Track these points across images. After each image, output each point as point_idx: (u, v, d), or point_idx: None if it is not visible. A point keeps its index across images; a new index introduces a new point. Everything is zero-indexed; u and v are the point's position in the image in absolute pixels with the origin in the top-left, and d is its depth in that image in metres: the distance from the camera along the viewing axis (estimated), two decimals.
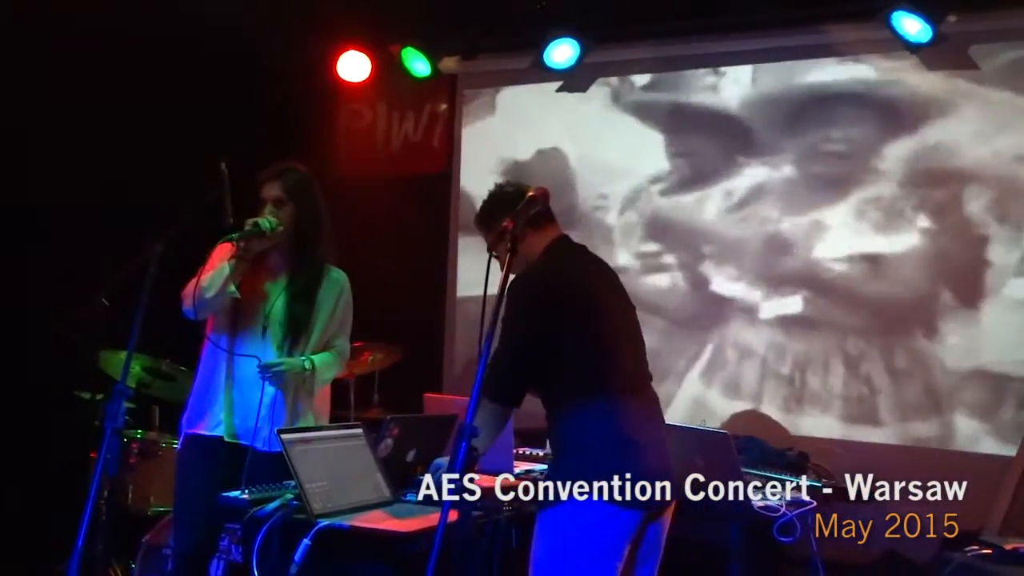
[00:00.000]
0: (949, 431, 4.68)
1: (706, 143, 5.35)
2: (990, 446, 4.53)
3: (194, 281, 3.36)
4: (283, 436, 3.03)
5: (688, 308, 5.34)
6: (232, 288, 3.39)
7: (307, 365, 3.50)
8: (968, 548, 3.45)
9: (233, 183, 3.52)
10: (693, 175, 5.39)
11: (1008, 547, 3.40)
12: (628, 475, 2.75)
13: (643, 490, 2.79)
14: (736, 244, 5.25)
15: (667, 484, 2.85)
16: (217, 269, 3.37)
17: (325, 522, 2.84)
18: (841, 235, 5.02)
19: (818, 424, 4.96)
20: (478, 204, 3.21)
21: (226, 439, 3.43)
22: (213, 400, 3.44)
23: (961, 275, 4.75)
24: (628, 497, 2.75)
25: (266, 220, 3.41)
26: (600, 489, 2.73)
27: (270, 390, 3.42)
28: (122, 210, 5.08)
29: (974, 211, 4.74)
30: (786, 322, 5.11)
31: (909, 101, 4.88)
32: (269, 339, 3.47)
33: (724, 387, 5.22)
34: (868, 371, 4.89)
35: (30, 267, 4.94)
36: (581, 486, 2.74)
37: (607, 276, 3.07)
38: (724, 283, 5.27)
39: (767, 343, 5.12)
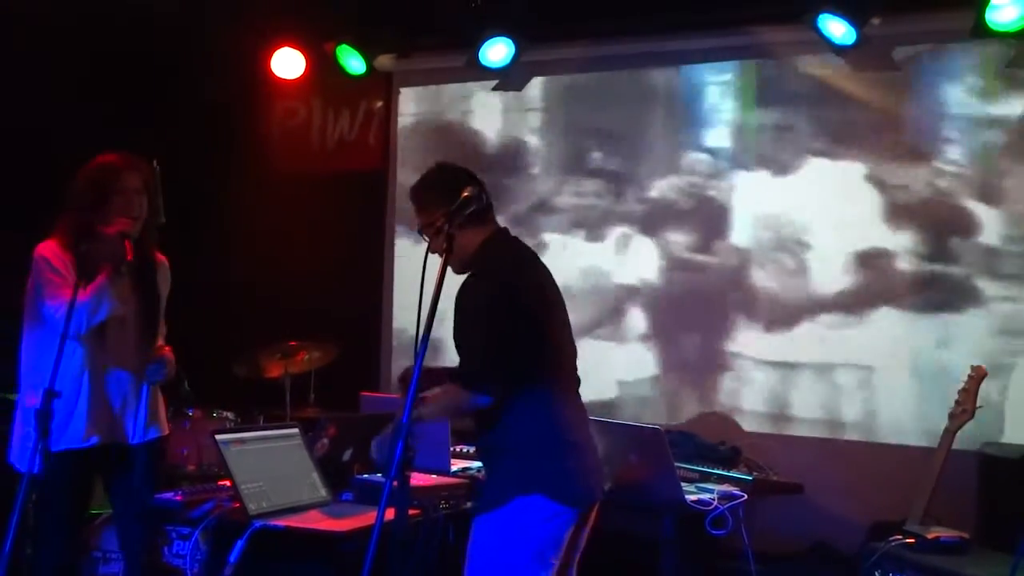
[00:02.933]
0: (875, 424, 4.81)
1: (630, 142, 5.43)
2: (913, 438, 4.67)
3: (72, 304, 3.06)
4: (218, 437, 3.02)
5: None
6: (117, 304, 3.25)
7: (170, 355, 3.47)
8: (892, 538, 3.55)
9: (167, 181, 3.48)
10: (613, 174, 5.47)
11: (930, 536, 3.51)
12: (571, 474, 2.80)
13: (584, 488, 2.84)
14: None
15: (600, 482, 2.93)
16: (96, 291, 3.18)
17: (260, 522, 2.83)
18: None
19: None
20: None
21: (98, 445, 3.29)
22: (80, 409, 3.26)
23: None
24: (571, 496, 2.79)
25: (130, 224, 3.29)
26: (545, 489, 2.74)
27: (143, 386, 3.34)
28: (49, 207, 4.96)
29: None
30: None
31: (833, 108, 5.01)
32: (128, 338, 3.36)
33: None
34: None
35: None
36: (529, 486, 2.74)
37: (546, 272, 3.07)
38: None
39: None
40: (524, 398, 2.80)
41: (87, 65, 5.15)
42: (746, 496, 3.60)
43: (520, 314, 2.78)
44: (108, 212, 3.28)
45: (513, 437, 2.82)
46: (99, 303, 3.19)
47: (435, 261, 2.71)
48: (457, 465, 3.87)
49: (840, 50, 4.87)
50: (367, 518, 2.79)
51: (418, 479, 3.37)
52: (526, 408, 2.80)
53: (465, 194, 2.77)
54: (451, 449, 3.94)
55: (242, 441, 3.09)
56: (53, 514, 3.31)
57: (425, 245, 2.85)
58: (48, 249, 3.28)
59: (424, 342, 2.48)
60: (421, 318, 2.57)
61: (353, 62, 5.69)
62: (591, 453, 2.93)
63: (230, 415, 4.78)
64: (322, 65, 5.78)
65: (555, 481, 2.77)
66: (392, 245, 5.96)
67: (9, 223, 4.89)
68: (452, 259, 2.70)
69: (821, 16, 4.72)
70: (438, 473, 3.63)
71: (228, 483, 3.02)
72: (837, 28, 4.73)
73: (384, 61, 5.90)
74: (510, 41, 5.34)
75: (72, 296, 3.06)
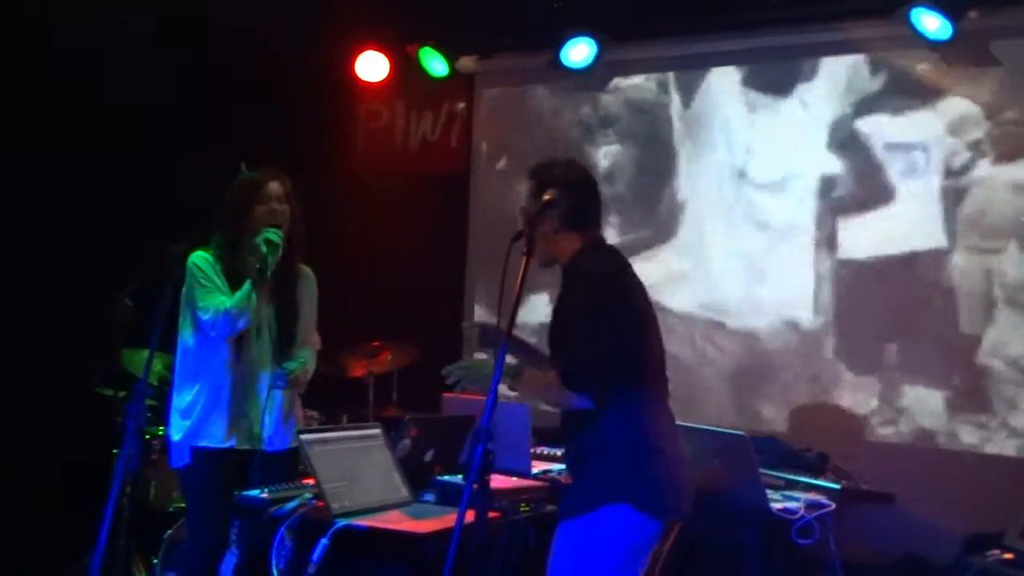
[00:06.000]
0: (968, 431, 4.65)
1: (719, 142, 5.34)
2: (1010, 447, 4.49)
3: (220, 308, 3.35)
4: (303, 436, 3.06)
5: None
6: (256, 311, 3.40)
7: (308, 365, 3.58)
8: (989, 552, 3.42)
9: None
10: (712, 175, 5.38)
11: None
12: (660, 484, 2.75)
13: (673, 500, 2.78)
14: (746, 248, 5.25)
15: (689, 496, 2.87)
16: (241, 296, 3.36)
17: (343, 522, 2.86)
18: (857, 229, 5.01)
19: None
20: (494, 203, 3.19)
21: (237, 447, 3.44)
22: (220, 411, 3.43)
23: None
24: (659, 507, 2.74)
25: (275, 233, 3.41)
26: (633, 499, 2.70)
27: (274, 393, 3.46)
28: (144, 211, 5.11)
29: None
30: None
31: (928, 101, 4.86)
32: (264, 345, 3.48)
33: None
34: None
35: (55, 266, 4.98)
36: (617, 495, 2.70)
37: (639, 281, 3.01)
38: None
39: None
40: (616, 404, 2.75)
41: (174, 70, 5.29)
42: (834, 505, 3.51)
43: (618, 321, 2.74)
44: (253, 222, 3.43)
45: (603, 443, 2.77)
46: (243, 309, 3.35)
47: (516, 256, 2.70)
48: (538, 467, 3.85)
49: (935, 45, 4.72)
50: (448, 520, 2.79)
51: (499, 481, 3.36)
52: (617, 414, 2.75)
53: (547, 197, 2.76)
54: (532, 451, 3.92)
55: (325, 441, 3.12)
56: (197, 508, 3.50)
57: (507, 244, 2.82)
58: (200, 257, 3.46)
59: (503, 345, 2.49)
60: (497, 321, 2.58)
61: (435, 64, 5.73)
62: (681, 465, 2.87)
63: (315, 414, 4.85)
64: (405, 67, 5.84)
65: (643, 491, 2.72)
66: (474, 246, 5.98)
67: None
68: (544, 258, 2.72)
69: (915, 10, 4.58)
70: (519, 475, 3.62)
71: (312, 481, 3.06)
72: (931, 22, 4.58)
73: (466, 62, 5.93)
74: (592, 41, 5.31)
75: (220, 302, 3.32)
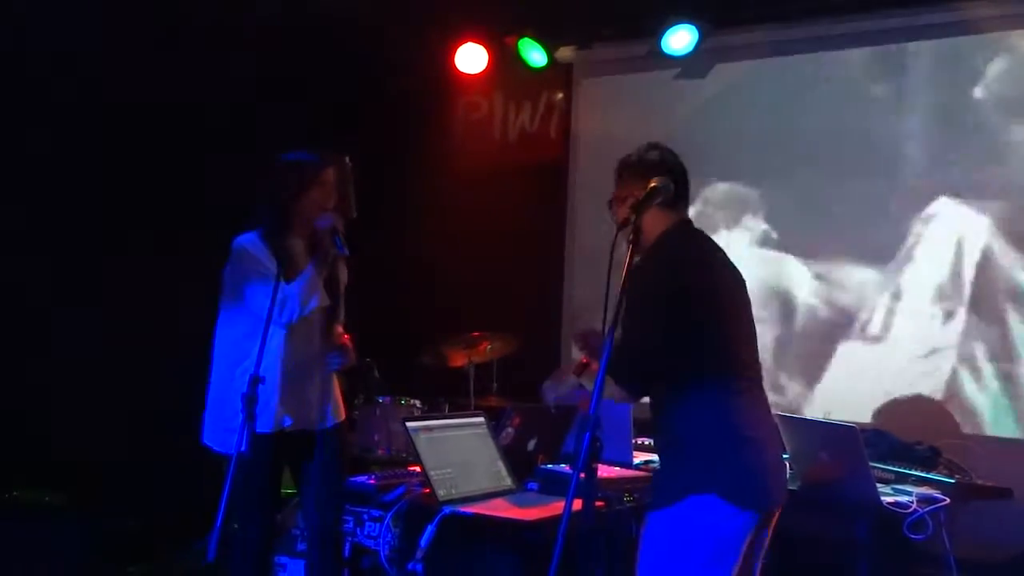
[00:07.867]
0: None
1: (826, 130, 5.21)
2: None
3: (281, 291, 3.23)
4: (409, 424, 3.11)
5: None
6: (325, 295, 3.40)
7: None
8: None
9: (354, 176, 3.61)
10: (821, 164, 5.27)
11: None
12: (748, 473, 2.68)
13: (763, 489, 2.72)
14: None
15: (783, 483, 2.81)
16: (307, 281, 3.32)
17: (450, 508, 2.90)
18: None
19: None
20: (595, 194, 3.16)
21: (289, 430, 3.40)
22: (271, 395, 3.34)
23: None
24: (747, 497, 2.67)
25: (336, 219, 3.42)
26: (719, 488, 2.64)
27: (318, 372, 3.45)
28: (248, 206, 5.24)
29: None
30: None
31: None
32: (314, 326, 3.45)
33: None
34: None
35: (170, 263, 5.16)
36: (702, 485, 2.65)
37: (729, 266, 2.97)
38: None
39: None
40: (698, 393, 2.71)
41: (276, 65, 5.41)
42: (948, 500, 3.40)
43: (685, 314, 2.68)
44: (306, 204, 3.39)
45: (688, 432, 2.73)
46: (310, 293, 3.32)
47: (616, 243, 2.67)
48: (640, 458, 3.84)
49: None
50: (553, 508, 2.82)
51: (602, 471, 3.35)
52: (701, 403, 2.71)
53: (652, 184, 2.74)
54: (633, 441, 3.91)
55: (430, 429, 3.17)
56: (253, 493, 3.43)
57: (609, 233, 2.80)
58: (248, 240, 3.40)
59: (610, 334, 2.47)
60: (608, 306, 2.56)
61: (535, 54, 5.74)
62: (772, 451, 2.81)
63: (417, 403, 4.92)
64: (504, 59, 5.86)
65: (730, 480, 2.65)
66: (573, 237, 5.97)
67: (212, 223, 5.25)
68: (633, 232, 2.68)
69: None
70: (620, 465, 3.62)
71: (418, 469, 3.11)
72: None
73: (565, 53, 5.92)
74: (693, 28, 5.25)
75: (277, 285, 3.16)
